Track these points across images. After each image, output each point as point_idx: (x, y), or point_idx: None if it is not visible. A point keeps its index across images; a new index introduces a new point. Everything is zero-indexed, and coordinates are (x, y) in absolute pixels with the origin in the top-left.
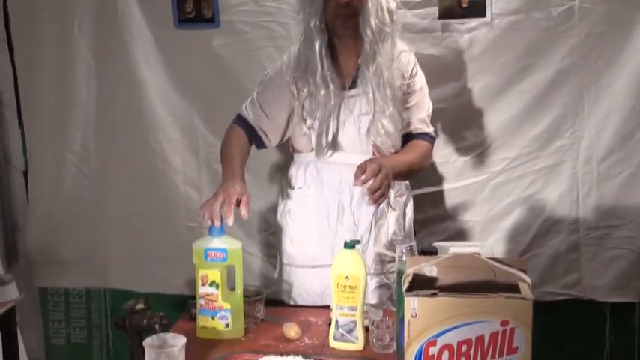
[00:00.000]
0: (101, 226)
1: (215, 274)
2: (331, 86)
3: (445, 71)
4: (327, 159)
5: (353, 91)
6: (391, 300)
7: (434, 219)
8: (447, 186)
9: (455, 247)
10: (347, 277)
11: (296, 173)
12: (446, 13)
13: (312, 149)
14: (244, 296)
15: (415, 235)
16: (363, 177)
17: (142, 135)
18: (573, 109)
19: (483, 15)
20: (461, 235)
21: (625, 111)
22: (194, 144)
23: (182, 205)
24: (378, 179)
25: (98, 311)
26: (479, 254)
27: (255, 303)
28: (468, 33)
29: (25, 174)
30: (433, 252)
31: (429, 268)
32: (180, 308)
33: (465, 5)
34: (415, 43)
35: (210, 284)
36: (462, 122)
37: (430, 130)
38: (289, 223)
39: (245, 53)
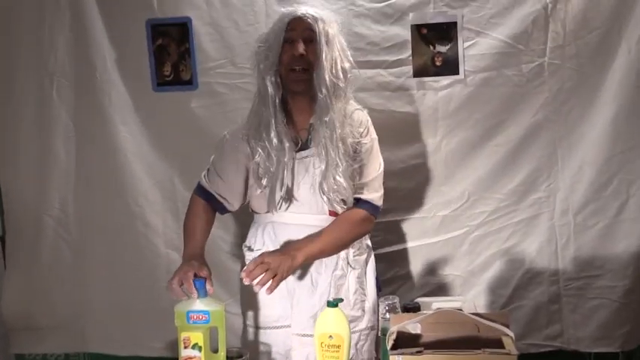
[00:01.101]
0: (80, 290)
1: (198, 337)
2: (285, 142)
3: (421, 128)
4: (282, 220)
5: (306, 152)
6: (354, 358)
7: (414, 273)
8: (426, 240)
9: (437, 303)
10: (330, 336)
11: (255, 234)
12: (420, 72)
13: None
14: (227, 358)
15: (379, 290)
16: (243, 274)
17: (122, 198)
18: (548, 162)
19: (457, 72)
20: (442, 289)
21: (598, 163)
22: (174, 205)
23: (163, 266)
24: (259, 269)
25: None
26: (461, 310)
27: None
28: (443, 90)
29: (2, 239)
30: (416, 308)
31: (412, 325)
32: None
33: (438, 63)
34: (391, 101)
35: (193, 347)
36: (439, 177)
37: (370, 195)
38: (247, 285)
39: (223, 114)
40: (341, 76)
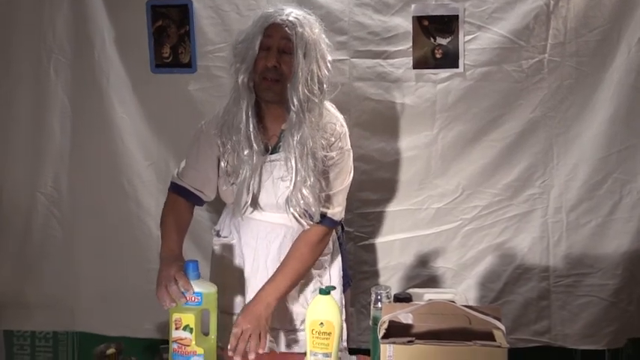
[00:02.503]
0: (70, 268)
1: (189, 318)
2: (254, 147)
3: (418, 120)
4: (249, 215)
5: (275, 156)
6: None
7: (405, 265)
8: (419, 233)
9: (429, 294)
10: (321, 323)
11: (224, 220)
12: (420, 63)
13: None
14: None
15: (349, 285)
16: (230, 352)
17: (116, 177)
18: (543, 159)
19: (456, 66)
20: (432, 281)
21: (594, 161)
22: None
23: (155, 248)
24: (242, 341)
25: (65, 355)
26: (454, 302)
27: (227, 346)
28: (441, 83)
29: None
30: (407, 298)
31: (404, 315)
32: (150, 353)
33: (438, 56)
34: (389, 91)
35: (184, 328)
36: (434, 170)
37: (333, 210)
38: (213, 269)
39: (220, 98)
40: (316, 89)
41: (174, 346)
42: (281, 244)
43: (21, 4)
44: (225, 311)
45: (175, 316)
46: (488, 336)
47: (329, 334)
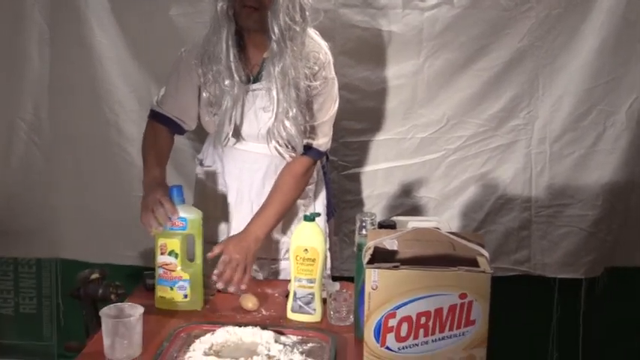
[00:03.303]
0: (53, 196)
1: (174, 244)
2: (235, 77)
3: (405, 48)
4: (231, 144)
5: (257, 85)
6: None
7: (389, 194)
8: (402, 162)
9: (413, 222)
10: (306, 249)
11: (207, 149)
12: None
13: None
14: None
15: (333, 215)
16: (215, 277)
17: (97, 104)
18: (529, 90)
19: None
20: (415, 211)
21: (579, 93)
22: None
23: (137, 176)
24: (230, 269)
25: (49, 281)
26: (439, 229)
27: (212, 274)
28: (429, 10)
29: None
30: (392, 226)
31: (389, 241)
32: (133, 279)
33: None
34: (376, 19)
35: (170, 254)
36: (419, 99)
37: (319, 141)
38: (196, 198)
39: (203, 23)
40: (298, 17)
41: (160, 271)
42: (265, 174)
43: None
44: (208, 240)
45: (161, 241)
46: (472, 262)
47: (313, 260)
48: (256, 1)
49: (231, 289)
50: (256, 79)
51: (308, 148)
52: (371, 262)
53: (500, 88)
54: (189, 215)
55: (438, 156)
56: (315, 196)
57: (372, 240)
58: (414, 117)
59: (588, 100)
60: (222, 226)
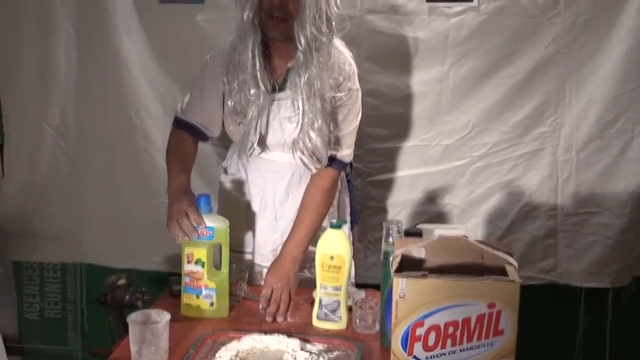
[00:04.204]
0: (78, 200)
1: (201, 252)
2: (261, 86)
3: (430, 55)
4: (256, 153)
5: (282, 94)
6: None
7: (413, 201)
8: (427, 169)
9: (440, 230)
10: (332, 257)
11: (232, 157)
12: None
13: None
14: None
15: (357, 223)
16: (265, 312)
17: (123, 110)
18: (555, 97)
19: (470, 0)
20: (440, 218)
21: (605, 100)
22: None
23: (162, 181)
24: (274, 303)
25: (73, 286)
26: (466, 237)
27: (238, 281)
28: (455, 17)
29: (1, 147)
30: (418, 234)
31: (417, 249)
32: (158, 284)
33: None
34: (401, 25)
35: (196, 262)
36: (444, 106)
37: (343, 152)
38: (221, 206)
39: (229, 29)
40: (324, 27)
41: (186, 279)
42: (289, 183)
43: None
44: (232, 249)
45: (187, 250)
46: (501, 271)
47: (339, 267)
48: (283, 12)
49: (279, 319)
50: (281, 88)
51: (332, 160)
52: (399, 270)
53: (525, 96)
54: (216, 224)
55: (462, 163)
56: (340, 203)
57: (399, 248)
58: (439, 124)
59: (615, 107)
60: (246, 235)
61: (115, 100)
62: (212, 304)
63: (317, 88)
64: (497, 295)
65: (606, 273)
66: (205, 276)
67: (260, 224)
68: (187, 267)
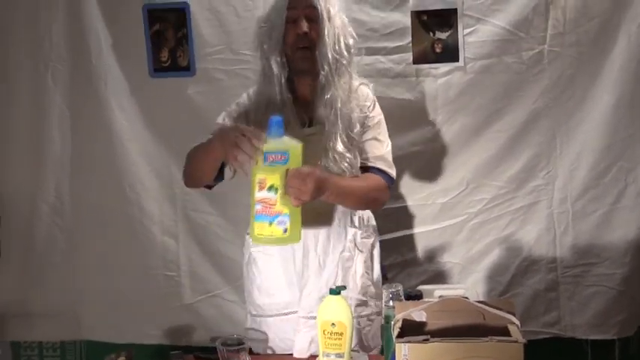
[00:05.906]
0: (75, 277)
1: (274, 179)
2: (292, 123)
3: (420, 115)
4: None
5: (312, 129)
6: (360, 344)
7: (412, 261)
8: (424, 228)
9: (440, 290)
10: (333, 324)
11: None
12: (420, 59)
13: None
14: (227, 345)
15: (385, 278)
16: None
17: (118, 183)
18: (547, 149)
19: (456, 59)
20: (440, 277)
21: (597, 149)
22: (171, 192)
23: (159, 254)
24: (297, 182)
25: None
26: (467, 298)
27: (239, 352)
28: (442, 77)
29: None
30: (418, 296)
31: (417, 313)
32: (158, 359)
33: (438, 50)
34: (390, 87)
35: (269, 189)
36: (438, 165)
37: (387, 169)
38: (255, 273)
39: (221, 101)
40: (344, 52)
41: (259, 207)
42: (329, 232)
43: (17, 13)
44: (273, 314)
45: (260, 176)
46: (504, 331)
47: (341, 334)
48: (307, 40)
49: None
50: (310, 122)
51: (377, 171)
52: (400, 335)
53: (517, 150)
54: (290, 147)
55: (459, 220)
56: (373, 250)
57: (400, 312)
58: (434, 182)
59: (607, 156)
60: (296, 289)
61: (110, 175)
62: (285, 231)
63: (339, 107)
64: (501, 355)
65: (611, 324)
66: (279, 202)
67: (306, 274)
68: (259, 194)
